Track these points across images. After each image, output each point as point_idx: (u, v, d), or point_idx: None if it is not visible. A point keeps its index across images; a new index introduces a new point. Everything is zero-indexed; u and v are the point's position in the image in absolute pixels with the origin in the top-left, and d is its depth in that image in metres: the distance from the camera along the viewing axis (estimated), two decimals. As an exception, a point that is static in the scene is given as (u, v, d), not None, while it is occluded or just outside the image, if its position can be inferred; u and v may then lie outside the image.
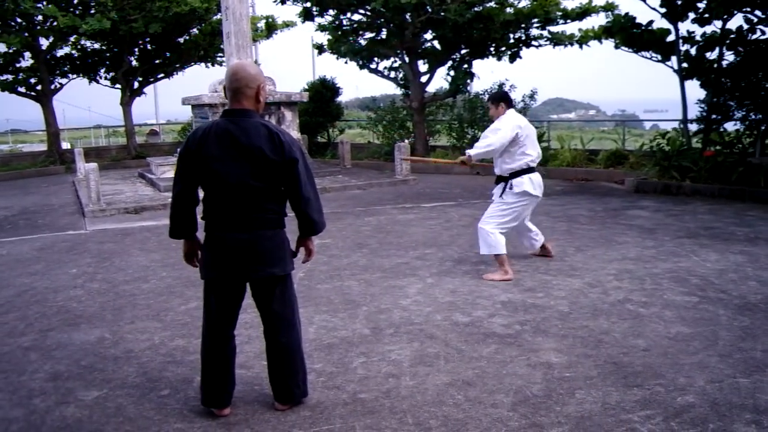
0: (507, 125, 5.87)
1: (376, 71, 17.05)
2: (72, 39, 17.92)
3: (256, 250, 3.28)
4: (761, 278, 5.69)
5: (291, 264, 3.44)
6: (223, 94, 3.53)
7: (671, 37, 12.30)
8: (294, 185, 3.29)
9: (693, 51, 12.10)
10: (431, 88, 16.81)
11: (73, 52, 18.70)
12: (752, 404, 3.41)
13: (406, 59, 16.18)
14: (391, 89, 18.00)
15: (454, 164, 7.74)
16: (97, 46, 18.70)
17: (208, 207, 3.34)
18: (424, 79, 16.31)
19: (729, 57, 11.70)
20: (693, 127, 12.22)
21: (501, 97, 6.09)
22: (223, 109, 3.39)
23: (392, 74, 17.07)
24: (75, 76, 19.05)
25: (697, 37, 12.02)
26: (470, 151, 5.99)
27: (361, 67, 16.83)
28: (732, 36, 11.52)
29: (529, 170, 5.98)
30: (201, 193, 3.40)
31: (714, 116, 11.83)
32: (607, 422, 3.27)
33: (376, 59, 16.86)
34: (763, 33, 11.27)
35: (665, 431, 3.16)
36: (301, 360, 3.54)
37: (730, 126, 12.03)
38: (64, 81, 18.86)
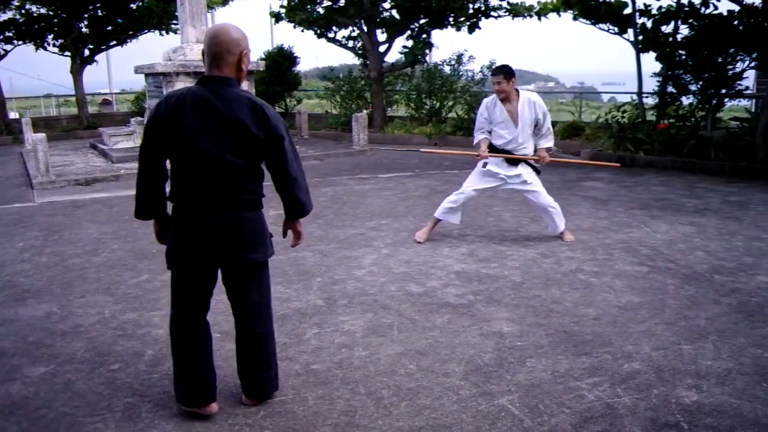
0: None
1: (333, 40, 16.83)
2: (16, 3, 17.20)
3: (232, 235, 2.99)
4: (708, 248, 5.84)
5: (271, 248, 3.21)
6: (201, 59, 3.20)
7: (628, 10, 12.41)
8: (280, 164, 3.02)
9: (649, 24, 12.23)
10: (390, 58, 16.71)
11: (18, 17, 17.97)
12: (694, 370, 3.51)
13: (365, 28, 16.00)
14: (351, 59, 17.81)
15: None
16: (43, 10, 18.00)
17: (176, 186, 2.99)
18: (382, 48, 16.17)
19: (684, 31, 11.88)
20: (650, 101, 12.39)
21: (514, 73, 5.87)
22: (200, 76, 3.02)
23: (350, 44, 16.88)
24: (20, 42, 18.34)
25: (654, 10, 12.15)
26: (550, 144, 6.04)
27: (319, 36, 16.60)
28: (686, 9, 11.66)
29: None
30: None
31: (669, 89, 12.01)
32: (556, 390, 3.33)
33: (334, 28, 16.64)
34: (716, 8, 11.44)
35: (611, 397, 3.24)
36: (274, 351, 3.33)
37: (685, 100, 12.24)
38: (8, 47, 18.15)
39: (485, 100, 6.03)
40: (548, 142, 5.98)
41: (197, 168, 2.92)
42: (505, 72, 5.80)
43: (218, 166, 2.91)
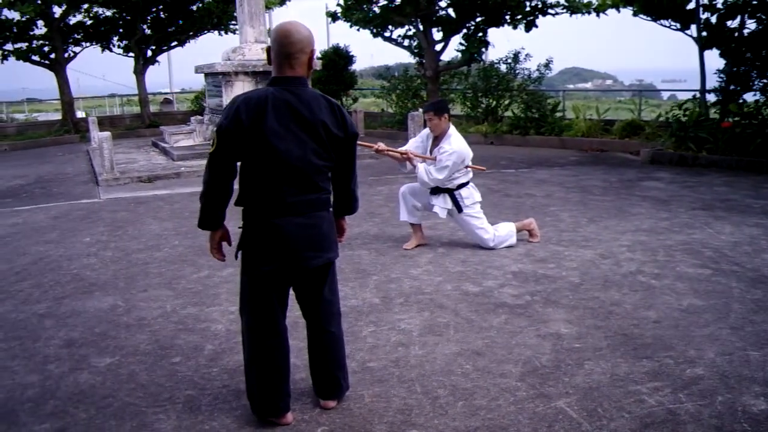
0: (464, 155, 5.62)
1: (390, 39, 16.87)
2: (85, 6, 17.85)
3: (315, 235, 2.96)
4: (776, 251, 5.64)
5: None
6: (266, 59, 3.08)
7: (691, 5, 12.03)
8: (349, 161, 3.09)
9: (713, 19, 11.82)
10: (446, 57, 16.65)
11: (86, 19, 18.64)
12: (762, 377, 3.40)
13: (421, 27, 15.98)
14: (407, 58, 17.77)
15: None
16: (109, 13, 18.63)
17: (252, 189, 2.91)
18: (438, 47, 16.13)
19: (750, 25, 11.44)
20: (711, 98, 12.02)
21: (447, 108, 5.69)
22: (271, 77, 2.94)
23: (406, 42, 16.89)
24: (88, 44, 19.02)
25: (718, 5, 11.74)
26: (422, 169, 5.66)
27: (375, 35, 16.66)
28: (754, 3, 11.25)
29: (468, 180, 5.86)
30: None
31: (733, 86, 11.61)
32: (615, 393, 3.27)
33: (390, 27, 16.68)
34: (787, 0, 11.01)
35: (673, 403, 3.16)
36: (344, 350, 3.33)
37: (749, 96, 11.82)
38: (77, 49, 18.85)
39: (424, 131, 5.85)
40: (430, 167, 5.64)
41: (280, 172, 2.86)
42: (436, 108, 5.61)
43: (302, 170, 2.87)
